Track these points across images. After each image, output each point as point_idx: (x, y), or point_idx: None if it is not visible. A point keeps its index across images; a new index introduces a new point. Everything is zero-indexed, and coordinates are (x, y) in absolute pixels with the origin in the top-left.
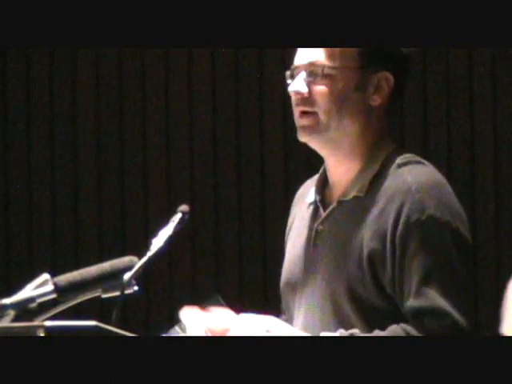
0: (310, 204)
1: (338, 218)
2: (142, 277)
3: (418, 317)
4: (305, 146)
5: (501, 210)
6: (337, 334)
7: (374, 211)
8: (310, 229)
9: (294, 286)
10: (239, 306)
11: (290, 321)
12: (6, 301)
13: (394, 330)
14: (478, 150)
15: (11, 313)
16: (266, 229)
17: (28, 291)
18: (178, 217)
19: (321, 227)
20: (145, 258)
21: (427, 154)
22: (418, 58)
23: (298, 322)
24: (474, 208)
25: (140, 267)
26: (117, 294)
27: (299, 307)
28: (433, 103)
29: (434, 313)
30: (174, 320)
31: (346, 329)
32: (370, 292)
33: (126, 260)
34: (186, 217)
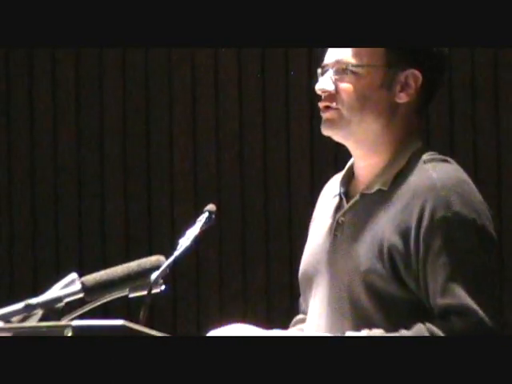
0: (335, 196)
1: (360, 211)
2: (169, 276)
3: (445, 315)
4: (331, 148)
5: None
6: (362, 333)
7: (397, 205)
8: (332, 220)
9: (312, 276)
10: (266, 306)
11: (306, 311)
12: (34, 300)
13: (419, 329)
14: (504, 151)
15: (39, 312)
16: (291, 229)
17: (55, 291)
18: (204, 216)
19: (342, 219)
20: (172, 258)
21: (453, 155)
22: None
23: (315, 312)
24: (500, 208)
25: (167, 266)
26: (144, 293)
27: (316, 297)
28: (459, 106)
29: (461, 311)
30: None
31: (363, 319)
32: (388, 284)
33: (153, 259)
34: (213, 216)
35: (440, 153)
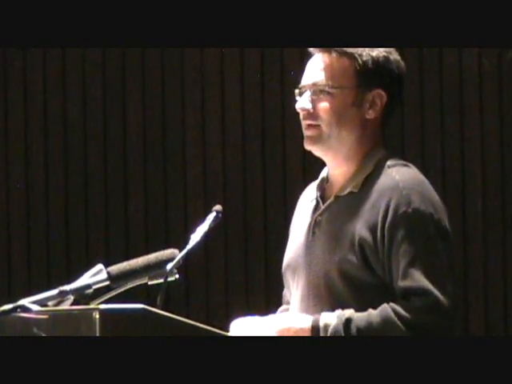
0: (312, 200)
1: (335, 210)
2: (182, 267)
3: (406, 296)
4: None
5: (488, 208)
6: (336, 313)
7: (366, 204)
8: (311, 219)
9: (294, 268)
10: (264, 295)
11: (289, 298)
12: (67, 287)
13: (384, 308)
14: (468, 157)
15: (71, 297)
16: (287, 227)
17: (85, 279)
18: (212, 215)
19: (319, 218)
20: (184, 251)
21: (424, 161)
22: (415, 79)
23: (296, 298)
24: (463, 208)
25: (180, 258)
26: (161, 281)
27: (298, 285)
28: (429, 120)
29: (419, 292)
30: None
31: (338, 303)
32: (359, 271)
33: (168, 252)
34: (220, 215)
35: (413, 161)
